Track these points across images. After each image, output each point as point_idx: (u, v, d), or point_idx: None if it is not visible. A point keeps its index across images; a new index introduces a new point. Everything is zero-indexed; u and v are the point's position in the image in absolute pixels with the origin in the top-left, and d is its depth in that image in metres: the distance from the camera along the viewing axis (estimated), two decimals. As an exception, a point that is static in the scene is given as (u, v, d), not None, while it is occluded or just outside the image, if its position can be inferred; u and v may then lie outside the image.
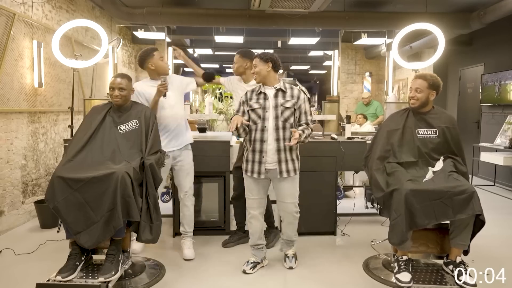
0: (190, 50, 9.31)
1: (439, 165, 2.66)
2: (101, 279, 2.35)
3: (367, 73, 9.20)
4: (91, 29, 4.61)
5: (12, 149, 3.78)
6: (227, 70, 12.86)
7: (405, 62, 4.23)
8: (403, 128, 2.77)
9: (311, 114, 2.83)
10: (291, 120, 2.74)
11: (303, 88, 2.91)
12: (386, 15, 5.91)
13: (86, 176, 2.38)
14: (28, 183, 4.04)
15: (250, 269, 2.88)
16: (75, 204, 2.37)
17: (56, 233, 3.61)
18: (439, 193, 2.41)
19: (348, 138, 3.73)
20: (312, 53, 9.21)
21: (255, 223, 2.89)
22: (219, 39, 7.53)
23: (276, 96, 2.76)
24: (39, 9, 4.21)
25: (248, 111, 2.79)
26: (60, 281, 2.33)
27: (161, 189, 3.16)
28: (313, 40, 7.24)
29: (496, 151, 5.47)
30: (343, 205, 4.01)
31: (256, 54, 2.87)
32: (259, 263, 2.95)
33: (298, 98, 2.76)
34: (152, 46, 3.21)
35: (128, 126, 2.71)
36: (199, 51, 9.63)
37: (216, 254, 3.21)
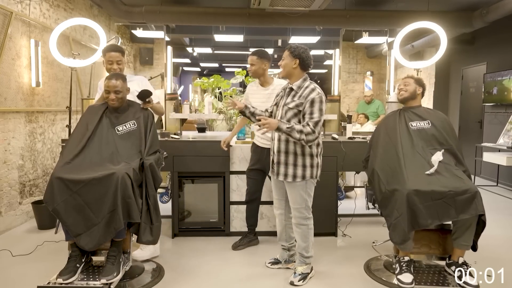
0: (189, 49, 9.27)
1: (438, 155, 2.61)
2: (103, 280, 2.32)
3: (368, 73, 9.15)
4: (89, 28, 4.58)
5: (9, 149, 3.74)
6: (227, 70, 12.80)
7: (407, 61, 4.19)
8: (397, 124, 2.80)
9: (316, 116, 2.49)
10: (293, 122, 2.56)
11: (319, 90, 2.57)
12: (388, 13, 5.87)
13: (86, 177, 2.34)
14: (25, 184, 4.01)
15: (269, 263, 2.97)
16: (75, 206, 2.33)
17: (54, 234, 3.60)
18: (442, 193, 2.40)
19: (349, 138, 3.70)
20: (313, 52, 9.09)
21: (277, 222, 2.91)
22: (218, 38, 7.48)
23: (288, 94, 2.64)
24: (36, 7, 4.18)
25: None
26: (61, 283, 2.31)
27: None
28: (313, 39, 7.19)
29: (499, 151, 5.43)
30: (344, 206, 3.97)
31: (289, 45, 2.66)
32: (279, 262, 2.95)
33: (306, 98, 2.53)
34: None
35: (126, 127, 2.66)
36: (198, 50, 9.57)
37: (216, 255, 3.17)
